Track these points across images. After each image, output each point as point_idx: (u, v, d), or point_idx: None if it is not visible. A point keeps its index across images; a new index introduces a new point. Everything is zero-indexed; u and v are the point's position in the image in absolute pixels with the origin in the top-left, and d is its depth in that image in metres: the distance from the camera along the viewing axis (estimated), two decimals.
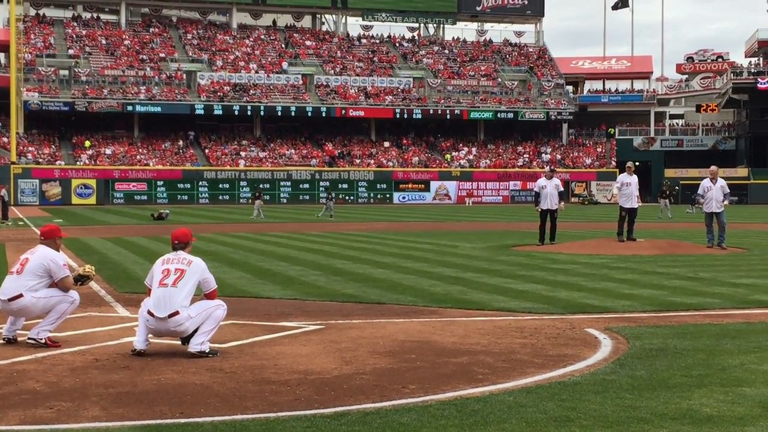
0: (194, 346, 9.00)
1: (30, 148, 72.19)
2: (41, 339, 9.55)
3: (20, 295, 9.60)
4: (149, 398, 7.21)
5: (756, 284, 15.43)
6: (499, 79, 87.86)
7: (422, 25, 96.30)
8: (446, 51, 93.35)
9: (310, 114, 78.95)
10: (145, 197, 69.91)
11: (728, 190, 23.64)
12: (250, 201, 53.48)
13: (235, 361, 8.71)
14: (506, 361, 8.79)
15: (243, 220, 43.88)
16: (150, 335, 9.26)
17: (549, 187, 23.97)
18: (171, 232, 9.79)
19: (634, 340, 9.87)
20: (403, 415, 6.64)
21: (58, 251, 10.02)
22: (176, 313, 9.00)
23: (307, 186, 74.01)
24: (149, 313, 9.09)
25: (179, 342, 9.34)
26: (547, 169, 25.17)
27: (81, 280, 10.19)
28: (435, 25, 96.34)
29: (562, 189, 24.58)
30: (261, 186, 66.66)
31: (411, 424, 6.39)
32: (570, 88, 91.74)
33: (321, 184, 73.49)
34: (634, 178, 23.93)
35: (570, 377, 8.01)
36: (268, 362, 8.67)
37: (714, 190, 23.34)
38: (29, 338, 9.59)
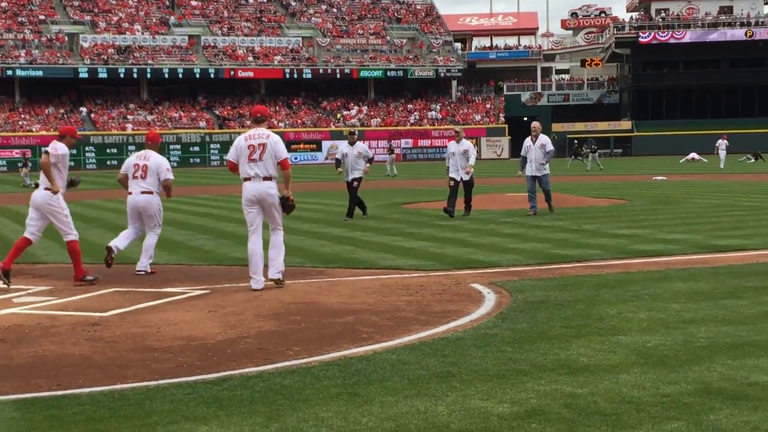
0: (273, 273, 11.00)
1: None
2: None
3: None
4: (25, 371, 7.02)
5: (636, 234, 15.87)
6: (388, 38, 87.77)
7: None
8: (334, 10, 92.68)
9: (198, 76, 77.65)
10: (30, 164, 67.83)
11: (551, 148, 20.24)
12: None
13: (117, 330, 8.55)
14: (391, 320, 8.84)
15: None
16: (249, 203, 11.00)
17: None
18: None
19: (517, 294, 10.03)
20: (285, 377, 6.63)
21: None
22: (270, 178, 10.90)
23: (197, 149, 73.06)
24: (246, 179, 10.90)
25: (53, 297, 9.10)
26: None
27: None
28: None
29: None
30: None
31: (293, 386, 6.37)
32: (458, 45, 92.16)
33: (211, 146, 72.64)
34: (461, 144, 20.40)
35: (453, 333, 8.09)
36: (150, 330, 8.53)
37: (533, 150, 20.11)
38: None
